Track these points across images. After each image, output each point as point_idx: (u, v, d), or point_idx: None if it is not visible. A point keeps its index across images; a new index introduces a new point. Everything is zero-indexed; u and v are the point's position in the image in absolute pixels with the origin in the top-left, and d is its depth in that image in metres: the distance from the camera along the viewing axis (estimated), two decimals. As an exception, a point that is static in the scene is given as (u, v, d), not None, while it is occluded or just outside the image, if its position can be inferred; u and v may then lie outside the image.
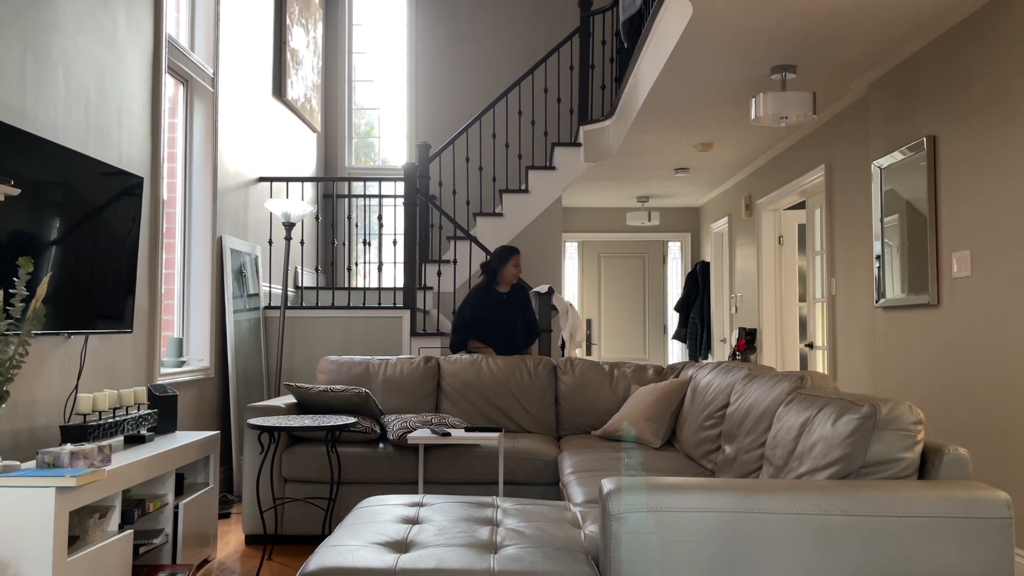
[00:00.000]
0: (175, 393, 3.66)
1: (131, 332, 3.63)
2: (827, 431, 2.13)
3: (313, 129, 7.22)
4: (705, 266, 8.66)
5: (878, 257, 4.47)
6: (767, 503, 1.88)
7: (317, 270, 6.20)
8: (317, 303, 5.98)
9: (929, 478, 2.03)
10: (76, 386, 3.33)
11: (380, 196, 6.16)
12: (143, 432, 3.38)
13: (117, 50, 3.78)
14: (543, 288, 5.60)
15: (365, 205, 7.58)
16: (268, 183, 5.98)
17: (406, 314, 5.66)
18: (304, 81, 6.82)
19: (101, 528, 2.81)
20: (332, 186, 7.61)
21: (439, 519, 2.36)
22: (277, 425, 3.45)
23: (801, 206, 6.52)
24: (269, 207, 5.31)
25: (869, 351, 4.79)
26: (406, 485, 3.91)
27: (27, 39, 3.09)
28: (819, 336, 6.02)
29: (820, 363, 6.00)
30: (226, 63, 5.19)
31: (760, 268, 6.84)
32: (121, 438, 3.31)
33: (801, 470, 2.18)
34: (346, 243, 7.64)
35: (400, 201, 7.17)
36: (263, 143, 5.92)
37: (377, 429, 4.05)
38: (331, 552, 2.04)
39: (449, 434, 3.62)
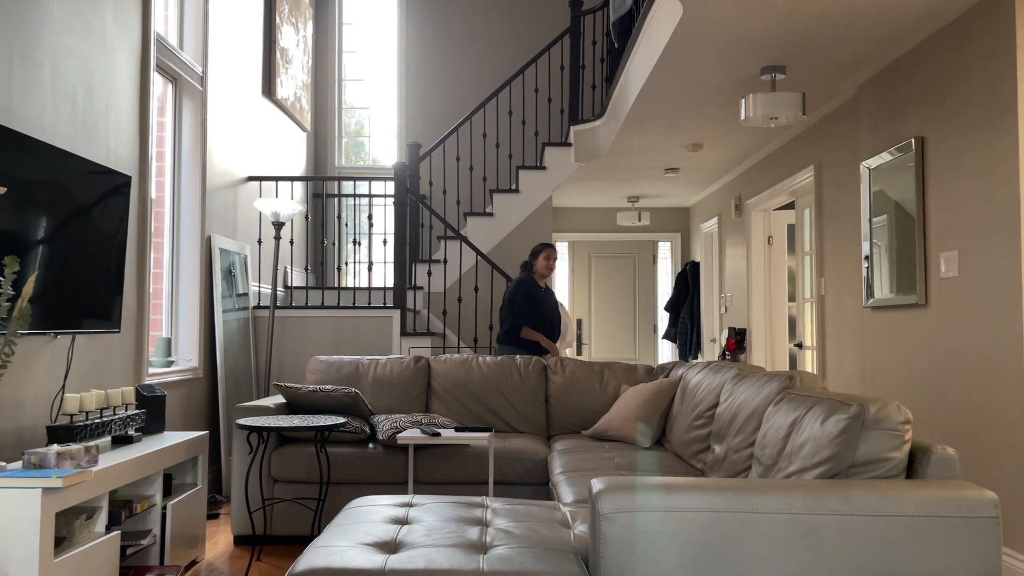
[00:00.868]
0: (163, 393, 3.65)
1: (119, 332, 3.61)
2: (816, 431, 2.13)
3: (303, 128, 7.20)
4: (695, 266, 8.68)
5: (867, 257, 4.49)
6: (756, 503, 1.88)
7: (307, 270, 6.18)
8: (307, 303, 5.96)
9: (917, 477, 2.04)
10: (63, 386, 3.31)
11: (370, 196, 6.14)
12: (131, 432, 3.36)
13: (105, 48, 3.75)
14: (533, 288, 5.59)
15: (355, 204, 7.57)
16: (258, 182, 5.96)
17: (396, 314, 5.65)
18: (294, 80, 6.80)
19: (88, 529, 2.79)
20: (322, 185, 7.59)
21: (428, 519, 2.35)
22: (266, 425, 3.43)
23: (790, 206, 6.54)
24: (258, 206, 5.29)
25: (858, 351, 4.81)
26: (396, 485, 3.90)
27: (14, 37, 3.07)
28: (808, 336, 6.04)
29: (809, 363, 6.02)
30: (215, 62, 5.17)
31: (750, 268, 6.86)
32: (108, 438, 3.29)
33: (790, 470, 2.18)
34: (336, 243, 7.62)
35: (390, 201, 7.15)
36: (252, 142, 5.90)
37: (367, 429, 4.04)
38: (320, 553, 2.03)
39: (439, 434, 3.62)
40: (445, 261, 6.23)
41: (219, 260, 5.13)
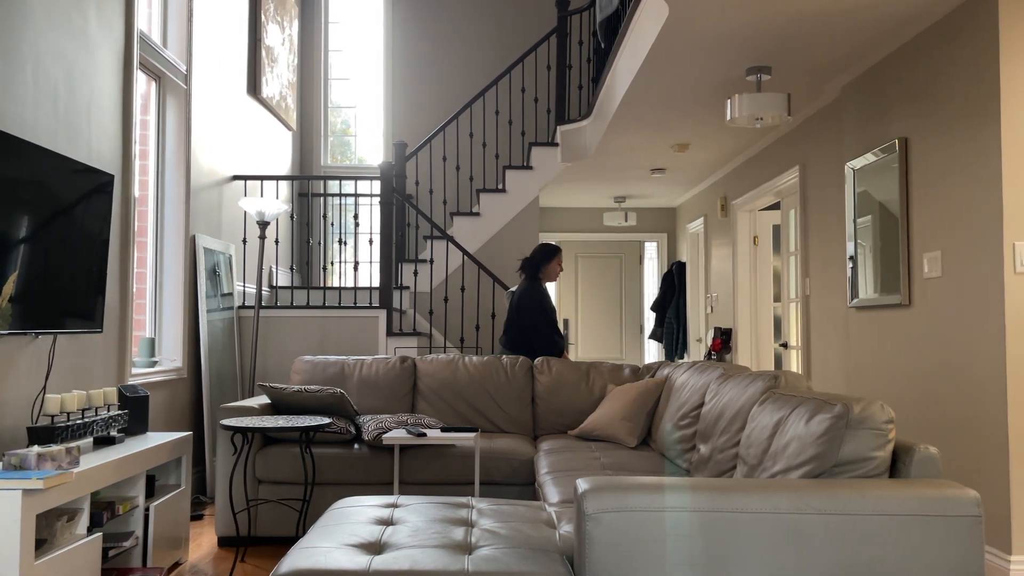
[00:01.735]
0: (146, 394, 3.62)
1: (101, 332, 3.58)
2: (800, 430, 2.14)
3: (288, 127, 7.16)
4: (681, 266, 8.71)
5: (851, 258, 4.52)
6: (741, 502, 1.88)
7: (292, 269, 6.15)
8: (292, 303, 5.93)
9: (900, 476, 2.05)
10: (44, 387, 3.27)
11: (356, 195, 6.12)
12: (113, 433, 3.33)
13: (88, 46, 3.72)
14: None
15: (341, 204, 7.54)
16: (242, 181, 5.93)
17: (382, 314, 5.63)
18: (279, 79, 6.76)
19: (69, 531, 2.76)
20: (307, 185, 7.56)
21: (414, 520, 2.34)
22: (251, 426, 3.41)
23: (776, 207, 6.57)
24: (243, 206, 5.26)
25: (842, 351, 4.83)
26: (381, 486, 3.88)
27: (-6, 33, 3.04)
28: (793, 336, 6.06)
29: (794, 363, 6.04)
30: (199, 60, 5.14)
31: (735, 268, 6.89)
32: (90, 440, 3.26)
33: (775, 469, 2.19)
34: (321, 242, 7.59)
35: (376, 200, 7.13)
36: (237, 141, 5.87)
37: (352, 430, 4.02)
38: (304, 554, 2.02)
39: (425, 434, 3.61)
40: (431, 261, 6.22)
41: (203, 260, 5.10)
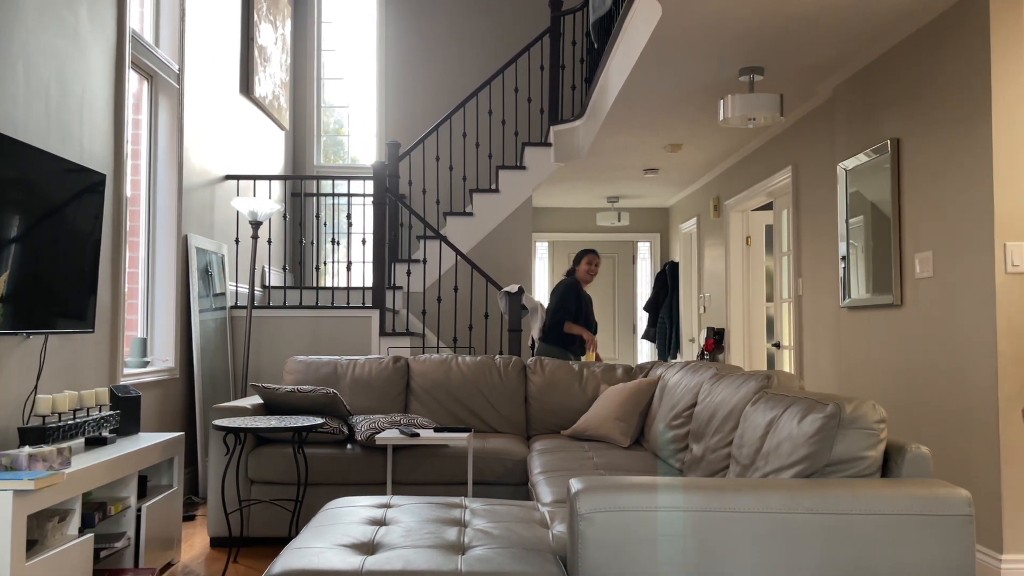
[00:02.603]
0: (138, 394, 3.60)
1: (93, 332, 3.57)
2: (792, 430, 2.14)
3: (281, 127, 7.15)
4: (674, 266, 8.72)
5: (843, 258, 4.53)
6: (733, 502, 1.89)
7: (285, 269, 6.13)
8: (284, 303, 5.93)
9: (892, 476, 2.06)
10: (35, 387, 3.26)
11: (349, 195, 6.11)
12: (105, 434, 3.32)
13: (79, 45, 3.71)
14: (513, 288, 5.60)
15: (334, 204, 7.53)
16: (235, 181, 5.91)
17: (375, 314, 5.63)
18: (272, 78, 6.75)
19: (60, 532, 2.75)
20: (300, 184, 7.55)
21: (407, 520, 2.34)
22: (243, 426, 3.41)
23: (768, 207, 6.58)
24: (236, 205, 5.25)
25: (835, 350, 4.85)
26: (374, 486, 3.88)
27: (-15, 32, 3.02)
28: (786, 336, 6.08)
29: (787, 362, 6.06)
30: (192, 59, 5.12)
31: (728, 268, 6.90)
32: (82, 440, 3.24)
33: (767, 469, 2.19)
34: (314, 242, 7.58)
35: (369, 200, 7.12)
36: (230, 140, 5.85)
37: (345, 430, 4.02)
38: (297, 554, 2.02)
39: (418, 434, 3.60)
40: (424, 261, 6.22)
41: (196, 259, 5.08)
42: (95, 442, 3.23)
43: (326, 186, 7.59)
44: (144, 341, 4.47)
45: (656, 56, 4.19)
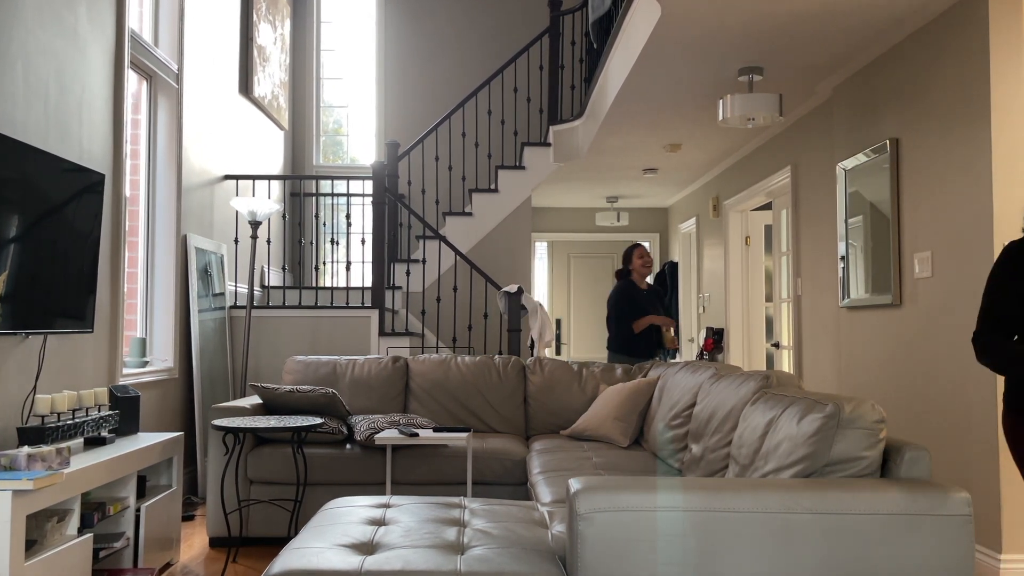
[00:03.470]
0: (137, 394, 3.60)
1: (92, 332, 3.56)
2: (792, 430, 2.14)
3: (280, 127, 7.15)
4: (673, 266, 8.72)
5: (843, 258, 4.53)
6: (733, 502, 1.89)
7: (284, 269, 6.13)
8: (284, 303, 5.92)
9: (891, 476, 2.06)
10: (34, 387, 3.26)
11: (348, 195, 6.11)
12: (104, 434, 3.31)
13: (78, 44, 3.70)
14: (512, 288, 5.60)
15: (333, 204, 7.53)
16: (234, 181, 5.91)
17: (374, 314, 5.62)
18: (271, 78, 6.75)
19: (60, 532, 2.75)
20: (299, 184, 7.54)
21: (406, 520, 2.34)
22: (242, 426, 3.40)
23: (768, 207, 6.58)
24: (235, 205, 5.24)
25: (834, 350, 4.85)
26: (373, 486, 3.88)
27: (-16, 32, 3.02)
28: (785, 336, 6.08)
29: (786, 362, 6.06)
30: (191, 59, 5.12)
31: (727, 268, 6.90)
32: (81, 440, 3.24)
33: (766, 469, 2.19)
34: (314, 242, 7.58)
35: (368, 200, 7.11)
36: (229, 140, 5.85)
37: (344, 430, 4.02)
38: (296, 554, 2.01)
39: (417, 434, 3.60)
40: (424, 261, 6.22)
41: (195, 259, 5.08)
42: (94, 442, 3.23)
43: (325, 186, 7.59)
44: (143, 341, 4.47)
45: (655, 56, 4.19)
